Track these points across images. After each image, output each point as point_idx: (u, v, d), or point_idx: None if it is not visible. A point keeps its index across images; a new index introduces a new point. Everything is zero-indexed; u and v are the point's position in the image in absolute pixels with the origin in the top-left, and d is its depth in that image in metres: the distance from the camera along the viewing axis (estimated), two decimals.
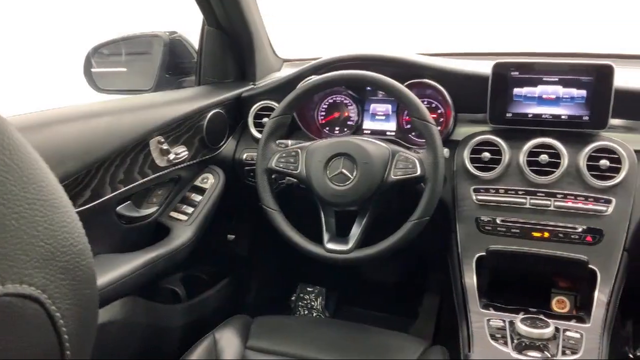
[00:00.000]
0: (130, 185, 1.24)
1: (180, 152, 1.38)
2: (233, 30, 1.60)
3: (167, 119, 1.34)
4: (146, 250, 1.26)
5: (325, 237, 1.26)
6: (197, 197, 1.45)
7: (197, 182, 1.49)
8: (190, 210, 1.43)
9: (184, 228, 1.38)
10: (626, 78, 1.29)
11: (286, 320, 1.41)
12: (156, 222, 1.38)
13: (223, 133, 1.56)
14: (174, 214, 1.42)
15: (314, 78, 1.32)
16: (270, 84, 1.58)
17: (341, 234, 1.27)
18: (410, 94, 1.23)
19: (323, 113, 1.57)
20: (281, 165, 1.29)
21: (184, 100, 1.46)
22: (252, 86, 1.63)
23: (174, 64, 1.74)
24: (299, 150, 1.29)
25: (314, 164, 1.26)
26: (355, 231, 1.24)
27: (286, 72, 1.61)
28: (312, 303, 2.16)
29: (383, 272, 2.10)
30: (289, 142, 1.37)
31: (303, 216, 1.34)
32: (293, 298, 2.17)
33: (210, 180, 1.49)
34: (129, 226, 1.30)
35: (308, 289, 2.18)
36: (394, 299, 2.13)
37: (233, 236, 1.83)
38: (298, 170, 1.28)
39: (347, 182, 1.22)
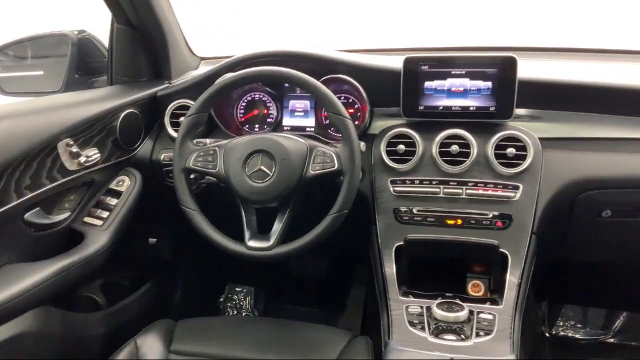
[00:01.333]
0: (38, 191, 1.18)
1: (92, 154, 1.33)
2: (144, 28, 1.56)
3: (77, 121, 1.28)
4: (58, 258, 1.21)
5: (247, 234, 1.25)
6: (113, 201, 1.40)
7: (113, 185, 1.44)
8: (105, 214, 1.38)
9: (99, 233, 1.34)
10: (529, 69, 1.36)
11: (211, 321, 1.39)
12: (69, 229, 1.32)
13: (138, 134, 1.52)
14: (88, 219, 1.37)
15: (230, 75, 1.31)
16: (186, 82, 1.55)
17: (264, 231, 1.27)
18: (325, 90, 1.24)
19: (242, 111, 1.56)
20: (199, 165, 1.27)
21: (94, 101, 1.41)
22: (168, 85, 1.60)
23: (84, 64, 1.68)
24: (217, 149, 1.28)
25: (232, 162, 1.24)
26: (277, 227, 1.24)
27: (203, 70, 1.58)
28: (241, 303, 2.15)
29: (311, 268, 2.12)
30: (207, 140, 1.35)
31: (226, 215, 1.32)
32: (221, 299, 2.15)
33: (126, 183, 1.45)
34: (39, 234, 1.24)
35: (236, 289, 2.17)
36: (323, 293, 2.15)
37: (154, 239, 1.78)
38: (216, 169, 1.26)
39: (266, 179, 1.22)
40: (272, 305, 2.15)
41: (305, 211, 1.28)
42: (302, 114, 1.52)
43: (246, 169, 1.23)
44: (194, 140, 1.31)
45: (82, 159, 1.29)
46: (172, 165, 1.30)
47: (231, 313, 2.12)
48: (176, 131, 1.49)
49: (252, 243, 1.23)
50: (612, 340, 1.88)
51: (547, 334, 1.90)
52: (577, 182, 1.31)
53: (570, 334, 1.90)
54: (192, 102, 1.48)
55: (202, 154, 1.27)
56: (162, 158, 1.52)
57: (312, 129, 1.51)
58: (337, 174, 1.23)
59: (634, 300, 1.84)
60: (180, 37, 1.69)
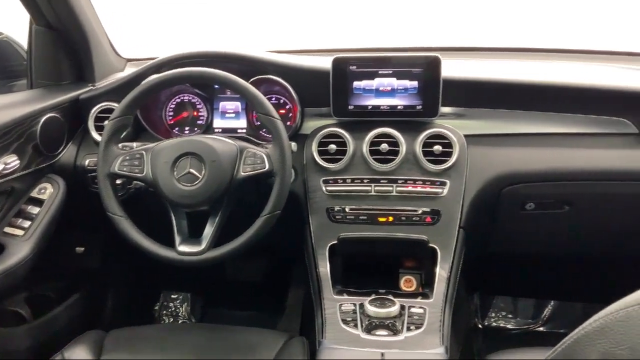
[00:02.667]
0: None
1: (10, 161, 1.27)
2: (65, 30, 1.50)
3: None
4: None
5: (177, 239, 1.22)
6: (35, 210, 1.34)
7: (34, 193, 1.37)
8: (27, 224, 1.32)
9: (21, 244, 1.27)
10: (453, 69, 1.40)
11: (143, 330, 1.35)
12: None
13: (60, 139, 1.46)
14: (8, 230, 1.30)
15: (155, 77, 1.28)
16: (110, 84, 1.50)
17: (197, 235, 1.24)
18: (254, 91, 1.24)
19: (171, 113, 1.53)
20: (125, 169, 1.23)
21: (12, 106, 1.34)
22: (91, 88, 1.54)
23: (1, 68, 1.60)
24: (144, 152, 1.24)
25: (160, 166, 1.21)
26: (208, 231, 1.22)
27: (129, 71, 1.54)
28: (178, 310, 2.10)
29: (248, 270, 2.10)
30: (134, 144, 1.31)
31: (156, 221, 1.29)
32: (157, 307, 2.10)
33: (48, 190, 1.39)
34: None
35: (172, 296, 2.12)
36: (261, 296, 2.13)
37: (82, 248, 1.72)
38: (144, 173, 1.23)
39: (196, 182, 1.20)
40: (209, 311, 2.11)
41: (238, 213, 1.27)
42: (233, 115, 1.51)
43: (175, 173, 1.20)
44: (120, 144, 1.27)
45: (0, 167, 1.22)
46: (97, 170, 1.26)
47: (167, 321, 2.07)
48: (101, 135, 1.45)
49: (183, 248, 1.21)
50: (541, 328, 1.96)
51: (479, 325, 1.96)
52: (501, 177, 1.35)
53: (501, 324, 1.96)
54: (116, 105, 1.43)
55: (128, 158, 1.24)
56: (86, 163, 1.46)
57: (244, 131, 1.50)
58: (268, 175, 1.22)
59: (560, 290, 1.93)
60: (104, 38, 1.64)
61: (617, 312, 0.45)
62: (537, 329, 1.95)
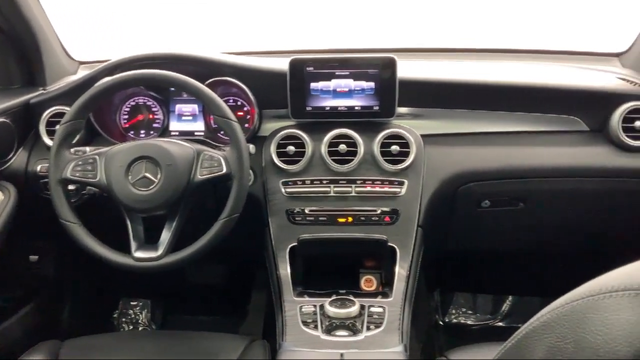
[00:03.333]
0: None
1: None
2: (13, 32, 1.45)
3: None
4: None
5: (133, 245, 1.20)
6: None
7: None
8: None
9: None
10: (409, 69, 1.42)
11: (101, 339, 1.32)
12: None
13: (10, 144, 1.41)
14: None
15: (107, 79, 1.25)
16: (62, 88, 1.46)
17: (153, 241, 1.22)
18: (210, 93, 1.22)
19: (126, 116, 1.50)
20: (77, 175, 1.20)
21: None
22: (42, 91, 1.50)
23: None
24: (97, 157, 1.21)
25: (114, 170, 1.19)
26: (165, 236, 1.20)
27: (82, 75, 1.50)
28: (137, 317, 2.06)
29: (209, 275, 2.07)
30: (87, 149, 1.28)
31: (112, 227, 1.26)
32: (115, 315, 2.05)
33: None
34: None
35: (131, 303, 2.08)
36: (224, 300, 2.11)
37: (36, 257, 1.66)
38: (97, 178, 1.20)
39: (152, 186, 1.18)
40: (170, 317, 2.08)
41: (196, 217, 1.25)
42: (190, 118, 1.49)
43: (129, 177, 1.18)
44: (73, 149, 1.24)
45: None
46: (48, 176, 1.23)
47: (127, 329, 2.03)
48: (53, 140, 1.41)
49: (140, 254, 1.19)
50: (500, 323, 2.00)
51: (440, 322, 1.98)
52: (457, 176, 1.38)
53: (462, 321, 1.99)
54: (68, 109, 1.40)
55: (80, 163, 1.21)
56: (38, 169, 1.42)
57: (202, 133, 1.48)
58: (226, 178, 1.21)
59: (517, 285, 1.97)
60: (55, 40, 1.59)
61: (562, 307, 0.46)
62: (496, 324, 1.99)
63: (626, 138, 1.35)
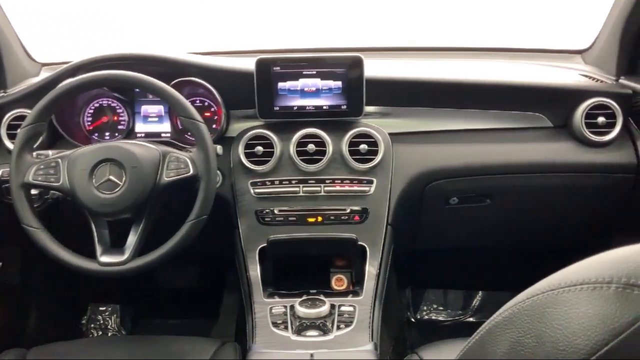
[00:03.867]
0: None
1: None
2: None
3: None
4: None
5: (99, 250, 1.18)
6: None
7: None
8: None
9: None
10: (377, 68, 1.42)
11: (68, 346, 1.29)
12: None
13: None
14: None
15: (69, 81, 1.22)
16: (23, 90, 1.42)
17: (119, 245, 1.20)
18: (175, 93, 1.21)
19: (89, 118, 1.47)
20: (40, 179, 1.17)
21: None
22: (2, 94, 1.46)
23: None
24: (60, 160, 1.19)
25: (78, 173, 1.16)
26: (132, 240, 1.18)
27: (44, 76, 1.47)
28: (106, 323, 2.02)
29: (180, 278, 2.05)
30: (50, 152, 1.25)
31: (76, 231, 1.24)
32: (84, 321, 2.01)
33: None
34: None
35: (100, 308, 2.04)
36: (195, 303, 2.09)
37: (0, 263, 1.62)
38: (60, 182, 1.17)
39: (117, 189, 1.16)
40: (141, 321, 2.04)
41: (164, 220, 1.24)
42: (156, 119, 1.47)
43: (93, 180, 1.16)
44: (35, 153, 1.21)
45: None
46: (10, 181, 1.19)
47: (96, 335, 1.99)
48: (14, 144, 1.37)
49: (105, 258, 1.16)
50: (471, 319, 2.02)
51: (412, 319, 2.00)
52: (425, 173, 1.39)
53: (433, 317, 2.01)
54: (30, 112, 1.37)
55: (42, 166, 1.18)
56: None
57: (168, 135, 1.46)
58: (193, 180, 1.20)
59: (486, 280, 2.00)
60: (16, 42, 1.55)
61: (523, 302, 0.47)
62: (467, 319, 2.01)
63: (589, 134, 1.38)
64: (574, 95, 1.41)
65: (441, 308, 2.02)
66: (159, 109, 1.46)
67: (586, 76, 1.52)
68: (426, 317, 2.01)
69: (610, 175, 1.41)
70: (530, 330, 0.44)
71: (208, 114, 1.44)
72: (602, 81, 1.47)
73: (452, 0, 2.41)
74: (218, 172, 1.33)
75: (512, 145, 1.41)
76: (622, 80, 1.48)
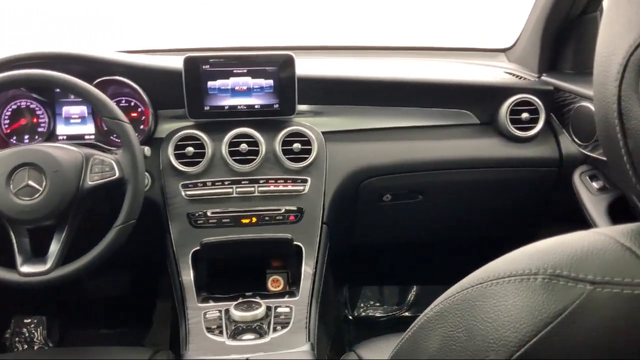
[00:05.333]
0: None
1: None
2: None
3: None
4: None
5: (19, 260, 1.11)
6: None
7: None
8: None
9: None
10: (308, 67, 1.42)
11: None
12: None
13: None
14: None
15: None
16: None
17: (42, 254, 1.13)
18: (97, 93, 1.16)
19: (7, 121, 1.38)
20: None
21: None
22: None
23: None
24: None
25: None
26: (55, 248, 1.12)
27: None
28: (32, 335, 1.92)
29: (110, 286, 1.97)
30: None
31: None
32: (7, 335, 1.90)
33: None
34: None
35: (25, 320, 1.93)
36: (126, 312, 2.01)
37: None
38: None
39: (37, 195, 1.09)
40: (69, 333, 1.95)
41: (89, 226, 1.18)
42: (79, 121, 1.40)
43: (11, 186, 1.09)
44: None
45: None
46: None
47: (21, 348, 1.88)
48: None
49: (26, 268, 1.10)
50: (407, 313, 2.05)
51: (350, 317, 2.01)
52: (359, 171, 1.40)
53: (370, 313, 2.03)
54: None
55: None
56: None
57: (92, 137, 1.39)
58: (120, 183, 1.15)
59: (421, 275, 2.04)
60: None
61: (453, 296, 0.47)
62: (403, 314, 2.04)
63: (514, 129, 1.43)
64: (498, 93, 1.45)
65: (378, 304, 2.05)
66: (81, 109, 1.39)
67: (510, 74, 1.58)
68: (363, 313, 2.03)
69: (535, 169, 1.46)
70: (461, 324, 0.45)
71: (134, 115, 1.39)
72: (525, 78, 1.53)
73: (381, 0, 2.44)
74: (147, 174, 1.29)
75: (441, 142, 1.44)
76: (544, 77, 1.54)
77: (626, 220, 1.24)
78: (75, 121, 1.39)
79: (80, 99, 1.36)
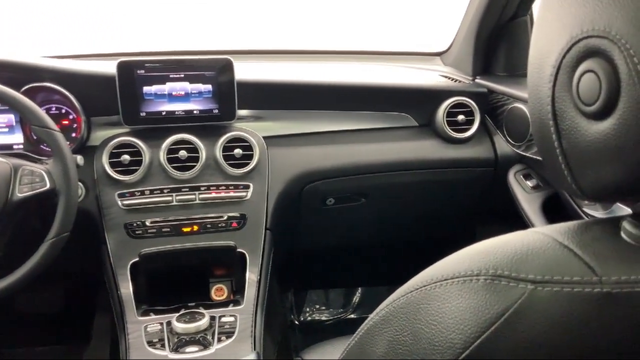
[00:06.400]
0: None
1: None
2: None
3: None
4: None
5: None
6: None
7: None
8: None
9: None
10: (248, 71, 1.40)
11: None
12: None
13: None
14: None
15: None
16: None
17: None
18: (25, 100, 1.10)
19: None
20: None
21: None
22: None
23: None
24: None
25: None
26: None
27: None
28: None
29: (45, 301, 1.88)
30: None
31: None
32: None
33: None
34: None
35: None
36: (64, 328, 1.93)
37: None
38: None
39: None
40: (2, 352, 1.85)
41: (20, 240, 1.12)
42: (6, 130, 1.32)
43: None
44: None
45: None
46: None
47: None
48: None
49: None
50: (352, 315, 2.06)
51: (296, 322, 2.00)
52: (302, 175, 1.39)
53: (316, 318, 2.03)
54: None
55: None
56: None
57: (21, 147, 1.32)
58: (51, 194, 1.10)
59: (366, 277, 2.05)
60: None
61: (398, 300, 0.47)
62: (349, 316, 2.05)
63: (450, 131, 1.46)
64: (435, 96, 1.48)
65: (323, 308, 2.05)
66: (8, 118, 1.32)
67: (445, 77, 1.61)
68: (309, 318, 2.02)
69: (472, 170, 1.50)
70: (407, 328, 0.45)
71: (66, 122, 1.33)
72: (460, 81, 1.57)
73: (318, 5, 2.45)
74: (80, 184, 1.24)
75: (381, 145, 1.46)
76: (478, 80, 1.59)
77: (560, 217, 1.29)
78: (2, 130, 1.32)
79: (7, 107, 1.30)
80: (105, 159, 1.27)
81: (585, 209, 1.21)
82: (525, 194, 1.40)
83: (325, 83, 1.46)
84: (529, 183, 1.41)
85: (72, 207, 1.09)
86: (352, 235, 1.66)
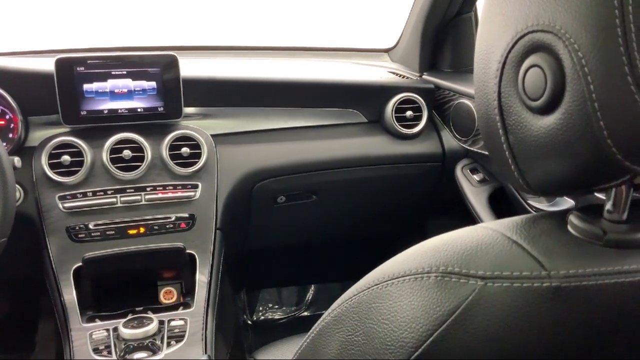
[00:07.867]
0: None
1: None
2: None
3: None
4: None
5: None
6: None
7: None
8: None
9: None
10: (194, 68, 1.37)
11: None
12: None
13: None
14: None
15: None
16: None
17: None
18: None
19: None
20: None
21: None
22: None
23: None
24: None
25: None
26: None
27: None
28: None
29: None
30: None
31: None
32: None
33: None
34: None
35: None
36: (5, 335, 1.84)
37: None
38: None
39: None
40: None
41: None
42: None
43: None
44: None
45: None
46: None
47: None
48: None
49: None
50: (306, 313, 2.05)
51: (249, 322, 1.98)
52: (251, 174, 1.37)
53: (269, 317, 2.01)
54: None
55: None
56: None
57: None
58: None
59: (318, 274, 2.05)
60: None
61: (350, 299, 0.46)
62: (302, 314, 2.04)
63: (399, 127, 1.47)
64: (383, 92, 1.49)
65: (276, 306, 2.03)
66: None
67: (393, 73, 1.63)
68: (262, 317, 2.00)
69: (421, 165, 1.52)
70: (359, 328, 0.44)
71: (2, 122, 1.26)
72: (407, 77, 1.58)
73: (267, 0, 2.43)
74: (18, 187, 1.18)
75: (331, 141, 1.46)
76: (425, 76, 1.61)
77: (506, 209, 1.32)
78: None
79: None
80: (44, 160, 1.22)
81: (530, 202, 1.24)
82: (472, 188, 1.42)
83: (274, 80, 1.45)
84: (476, 177, 1.44)
85: (9, 212, 1.03)
86: (304, 232, 1.65)
